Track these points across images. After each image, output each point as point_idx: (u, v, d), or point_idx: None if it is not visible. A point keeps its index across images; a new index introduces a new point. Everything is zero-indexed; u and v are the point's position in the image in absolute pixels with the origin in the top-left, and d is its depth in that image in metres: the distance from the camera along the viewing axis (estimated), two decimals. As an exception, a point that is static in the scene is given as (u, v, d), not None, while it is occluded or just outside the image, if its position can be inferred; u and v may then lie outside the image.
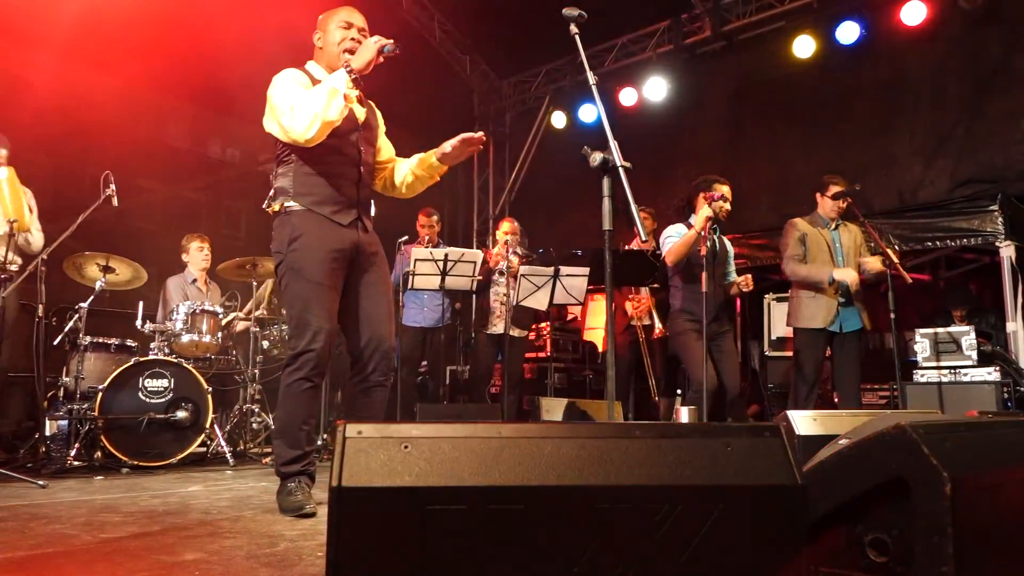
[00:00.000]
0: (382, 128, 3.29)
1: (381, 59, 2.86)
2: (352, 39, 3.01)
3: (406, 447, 1.38)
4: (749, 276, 4.65)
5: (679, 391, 5.50)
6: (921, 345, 5.30)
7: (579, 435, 1.45)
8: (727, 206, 4.55)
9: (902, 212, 6.18)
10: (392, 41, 2.85)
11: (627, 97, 7.84)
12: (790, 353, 6.17)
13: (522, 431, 1.46)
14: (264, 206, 3.06)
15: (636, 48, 8.13)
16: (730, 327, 4.83)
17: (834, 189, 4.81)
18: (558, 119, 8.55)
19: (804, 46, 6.77)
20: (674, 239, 4.61)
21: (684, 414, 4.38)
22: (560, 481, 1.38)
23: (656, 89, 7.67)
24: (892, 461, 1.55)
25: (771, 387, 6.31)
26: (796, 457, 1.52)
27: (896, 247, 5.87)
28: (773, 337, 6.42)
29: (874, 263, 4.69)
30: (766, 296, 6.53)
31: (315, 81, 2.95)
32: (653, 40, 7.99)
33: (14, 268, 4.34)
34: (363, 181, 3.09)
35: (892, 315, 4.58)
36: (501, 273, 5.88)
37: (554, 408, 5.30)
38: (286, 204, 2.96)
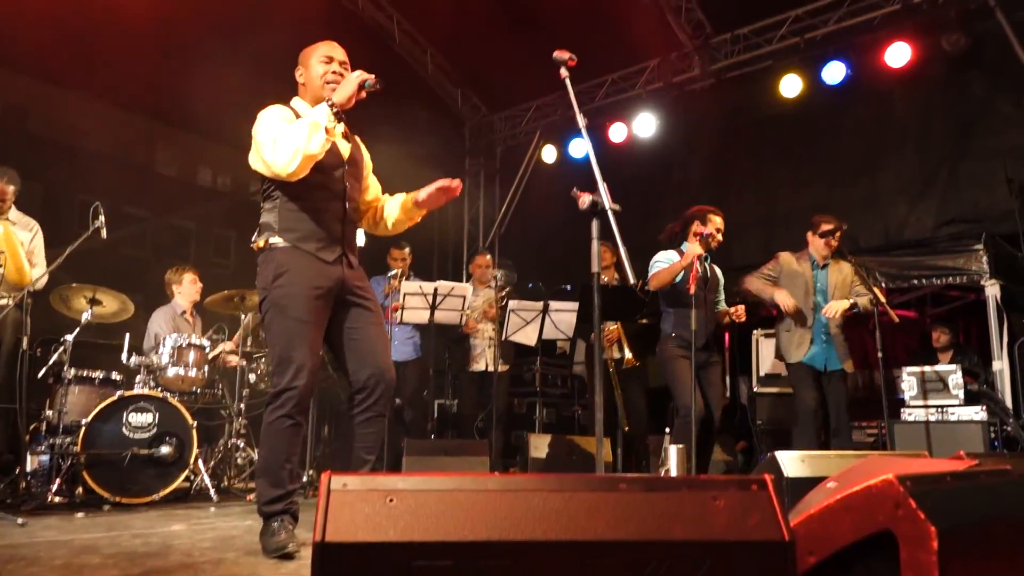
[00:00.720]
0: (369, 166, 3.29)
1: (363, 94, 2.88)
2: (333, 72, 3.02)
3: (391, 500, 1.37)
4: (742, 307, 4.68)
5: (667, 429, 5.48)
6: (908, 383, 5.33)
7: (566, 488, 1.44)
8: (719, 237, 4.61)
9: (888, 250, 6.24)
10: (373, 76, 2.85)
11: (617, 133, 7.91)
12: (778, 389, 6.21)
13: (509, 484, 1.45)
14: (251, 242, 3.05)
15: (626, 85, 8.23)
16: (719, 359, 4.86)
17: (824, 228, 4.87)
18: (548, 153, 8.61)
19: (791, 85, 6.87)
20: (662, 264, 4.65)
21: (673, 453, 4.36)
22: (547, 536, 1.37)
23: (645, 125, 7.75)
24: (880, 514, 1.54)
25: (759, 423, 6.30)
26: (785, 510, 1.52)
27: (883, 285, 5.93)
28: (762, 373, 6.43)
29: (864, 302, 4.75)
30: (755, 332, 6.55)
31: (299, 116, 2.96)
32: (643, 77, 8.09)
33: (7, 302, 4.33)
34: (348, 217, 3.10)
35: (880, 353, 4.61)
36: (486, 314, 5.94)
37: (543, 445, 5.27)
38: (271, 240, 2.96)
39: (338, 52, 3.09)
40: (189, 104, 7.45)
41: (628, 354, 5.76)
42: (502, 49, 8.03)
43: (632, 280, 2.68)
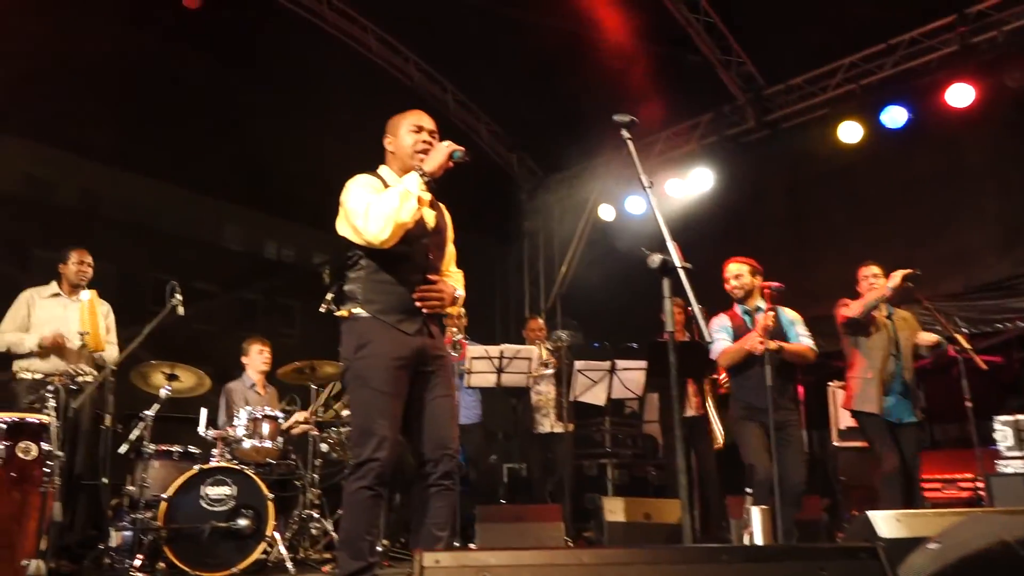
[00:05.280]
0: (451, 234, 3.30)
1: (451, 164, 2.93)
2: (424, 141, 3.07)
3: (485, 576, 1.35)
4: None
5: (748, 489, 5.29)
6: (1002, 433, 5.05)
7: (662, 560, 1.40)
8: (731, 284, 4.62)
9: (966, 295, 6.02)
10: (463, 149, 2.92)
11: (674, 188, 7.90)
12: (861, 444, 5.95)
13: (603, 557, 1.41)
14: (334, 311, 3.09)
15: (680, 140, 8.26)
16: (796, 416, 4.71)
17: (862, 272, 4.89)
18: (606, 212, 8.63)
19: (851, 131, 6.78)
20: (722, 339, 4.60)
21: (755, 515, 4.21)
22: (646, 612, 1.32)
23: (702, 180, 7.72)
24: (999, 581, 1.45)
25: (843, 479, 6.04)
26: (895, 579, 1.44)
27: (964, 331, 5.70)
28: (841, 426, 6.19)
29: (927, 336, 4.61)
30: (830, 384, 6.34)
31: (387, 185, 3.01)
32: (697, 132, 8.11)
33: (88, 379, 4.51)
34: None
35: (968, 403, 4.41)
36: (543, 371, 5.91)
37: (618, 508, 5.14)
38: (354, 311, 2.99)
39: (427, 121, 3.14)
40: (254, 182, 7.77)
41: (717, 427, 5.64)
42: (554, 111, 8.19)
43: (707, 338, 2.63)
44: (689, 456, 5.61)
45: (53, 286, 4.97)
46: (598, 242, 8.76)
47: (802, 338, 4.65)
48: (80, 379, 4.53)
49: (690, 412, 5.72)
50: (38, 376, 4.70)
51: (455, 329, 5.91)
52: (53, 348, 4.72)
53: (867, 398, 4.71)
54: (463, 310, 6.17)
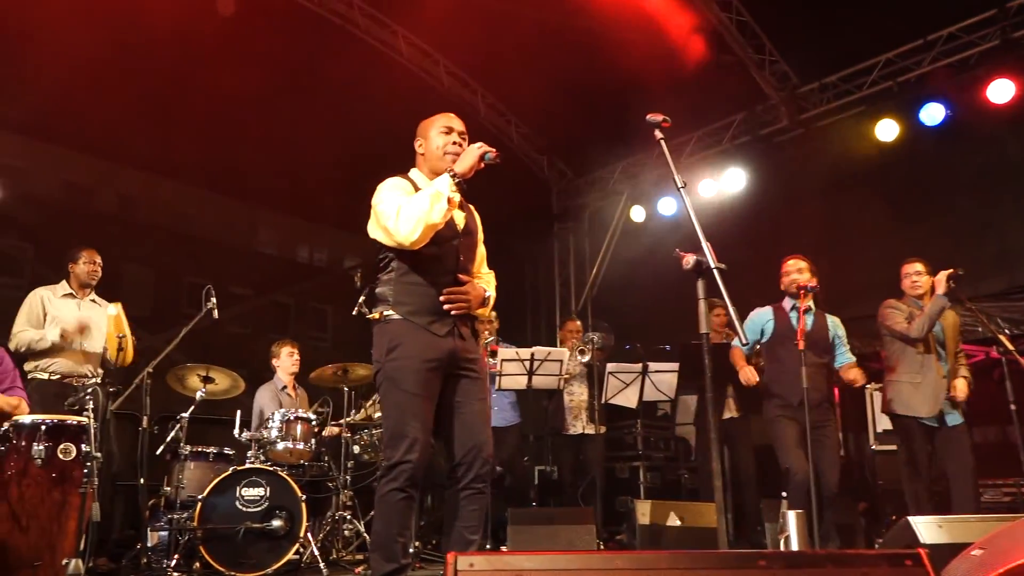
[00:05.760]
0: (481, 236, 3.29)
1: (482, 165, 2.94)
2: (454, 143, 3.08)
3: (519, 579, 1.33)
4: (858, 371, 4.51)
5: (783, 493, 5.21)
6: (1047, 437, 4.91)
7: (699, 565, 1.37)
8: (800, 279, 4.57)
9: (1009, 295, 5.87)
10: (494, 150, 2.92)
11: (706, 189, 7.82)
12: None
13: (637, 562, 1.39)
14: (366, 313, 3.11)
15: (712, 140, 8.18)
16: (832, 418, 4.65)
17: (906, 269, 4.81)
18: (637, 213, 8.57)
19: (887, 129, 6.66)
20: (756, 324, 4.66)
21: (792, 520, 4.14)
22: (683, 617, 1.30)
23: (735, 180, 7.64)
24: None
25: (881, 483, 5.92)
26: (942, 587, 1.40)
27: (1006, 332, 5.55)
28: (879, 429, 6.07)
29: (962, 389, 4.52)
30: (867, 386, 6.21)
31: (417, 188, 3.02)
32: (729, 132, 8.02)
33: (95, 380, 4.60)
34: None
35: (1012, 406, 4.30)
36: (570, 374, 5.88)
37: (649, 512, 5.09)
38: (385, 313, 3.00)
39: (457, 123, 3.15)
40: (288, 187, 7.85)
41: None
42: (585, 113, 8.15)
43: (743, 340, 2.59)
44: (723, 458, 5.55)
45: (64, 286, 4.97)
46: (629, 244, 8.70)
47: (845, 355, 4.70)
48: (92, 381, 4.63)
49: (728, 414, 5.67)
50: (55, 377, 4.73)
51: (487, 332, 5.91)
52: (70, 342, 4.75)
53: (907, 401, 4.61)
54: (494, 314, 6.18)
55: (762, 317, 4.70)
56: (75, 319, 4.84)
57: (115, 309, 4.72)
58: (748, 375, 4.61)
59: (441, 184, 2.89)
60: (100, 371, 4.91)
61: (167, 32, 6.16)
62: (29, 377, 4.71)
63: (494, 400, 5.92)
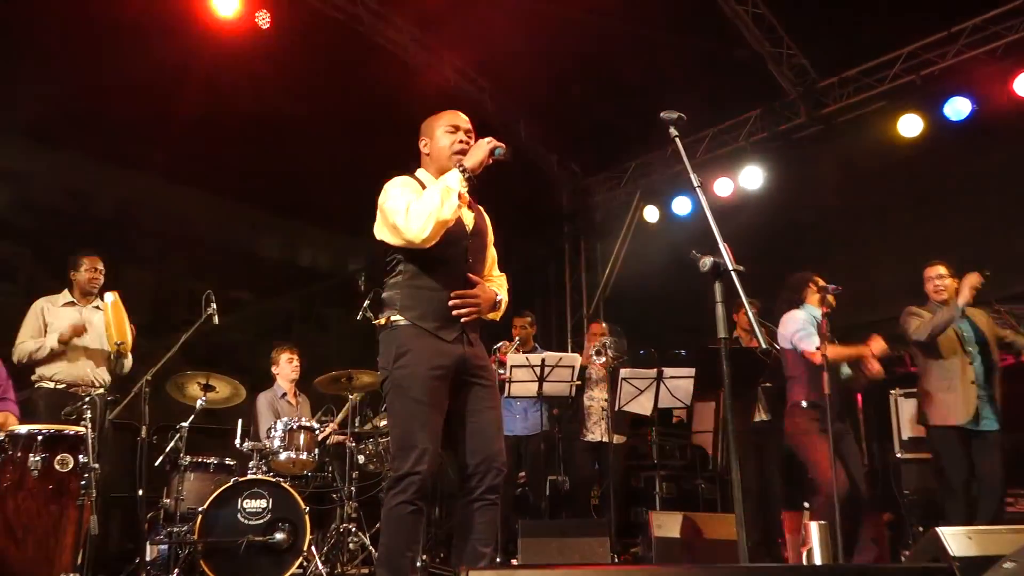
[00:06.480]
0: (491, 237, 3.18)
1: (491, 160, 2.84)
2: (461, 141, 2.99)
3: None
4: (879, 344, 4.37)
5: (805, 504, 5.03)
6: (1078, 445, 4.72)
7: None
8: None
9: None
10: (504, 145, 2.83)
11: (722, 187, 7.64)
12: (926, 455, 5.62)
13: (654, 575, 1.22)
14: (371, 319, 2.99)
15: (728, 138, 8.00)
16: (850, 426, 4.56)
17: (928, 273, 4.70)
18: (650, 213, 8.39)
19: (910, 125, 6.48)
20: (803, 330, 4.46)
21: (815, 532, 3.97)
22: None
23: (752, 178, 7.46)
24: None
25: (907, 493, 5.71)
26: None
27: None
28: (904, 437, 5.85)
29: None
30: (892, 391, 6.00)
31: (424, 187, 2.92)
32: (746, 128, 7.85)
33: (101, 390, 4.55)
34: None
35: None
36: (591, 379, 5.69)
37: (667, 523, 4.90)
38: (392, 318, 2.89)
39: (463, 121, 3.05)
40: (289, 190, 7.71)
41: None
42: (594, 110, 7.99)
43: (762, 343, 2.43)
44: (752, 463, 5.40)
45: (66, 294, 4.93)
46: (642, 245, 8.52)
47: None
48: (99, 390, 4.51)
49: (759, 416, 5.52)
50: (61, 386, 4.68)
51: (518, 339, 5.73)
52: (71, 341, 4.70)
53: (940, 409, 4.44)
54: (531, 317, 6.01)
55: (802, 316, 4.54)
56: (73, 321, 4.78)
57: (111, 296, 4.59)
58: (874, 367, 4.47)
59: (451, 179, 2.80)
60: (107, 378, 4.85)
61: (166, 35, 6.05)
62: (36, 387, 4.68)
63: (516, 406, 5.77)
